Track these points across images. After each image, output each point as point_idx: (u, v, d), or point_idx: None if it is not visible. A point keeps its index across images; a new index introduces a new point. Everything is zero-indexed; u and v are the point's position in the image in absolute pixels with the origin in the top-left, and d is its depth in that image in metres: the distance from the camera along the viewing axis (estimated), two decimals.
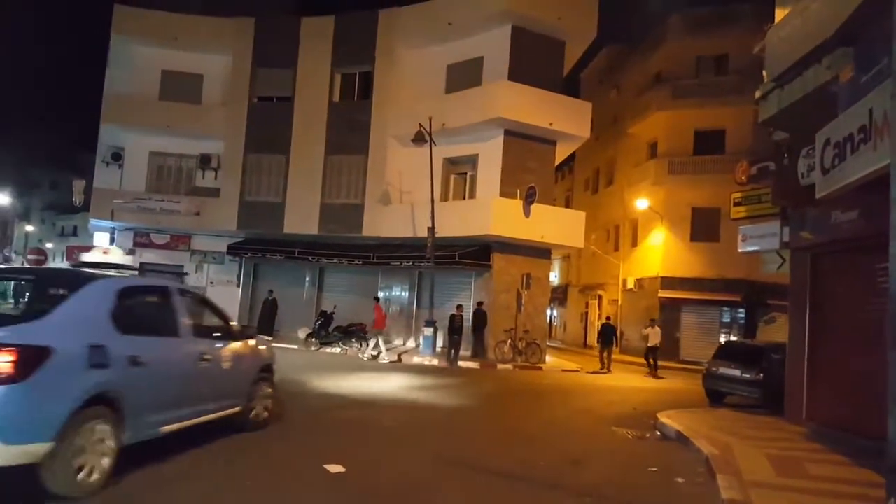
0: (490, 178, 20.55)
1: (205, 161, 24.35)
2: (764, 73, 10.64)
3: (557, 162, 23.48)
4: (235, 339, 6.99)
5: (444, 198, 21.35)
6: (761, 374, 12.11)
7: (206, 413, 6.32)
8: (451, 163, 21.85)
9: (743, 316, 25.58)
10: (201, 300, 7.06)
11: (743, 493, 5.81)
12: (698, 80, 27.21)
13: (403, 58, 22.48)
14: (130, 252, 24.78)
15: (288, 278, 23.86)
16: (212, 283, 24.72)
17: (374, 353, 17.70)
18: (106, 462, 4.86)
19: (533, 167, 20.66)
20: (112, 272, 6.23)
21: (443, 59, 22.09)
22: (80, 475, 4.63)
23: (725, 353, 13.81)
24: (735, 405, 12.60)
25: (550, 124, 20.20)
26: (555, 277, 36.58)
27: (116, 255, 7.28)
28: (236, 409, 6.89)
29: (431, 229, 18.89)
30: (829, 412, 9.56)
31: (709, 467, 6.95)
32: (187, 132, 23.74)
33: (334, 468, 5.91)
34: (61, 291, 5.17)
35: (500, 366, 18.22)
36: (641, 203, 26.96)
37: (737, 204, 13.67)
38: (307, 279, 24.15)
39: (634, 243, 29.36)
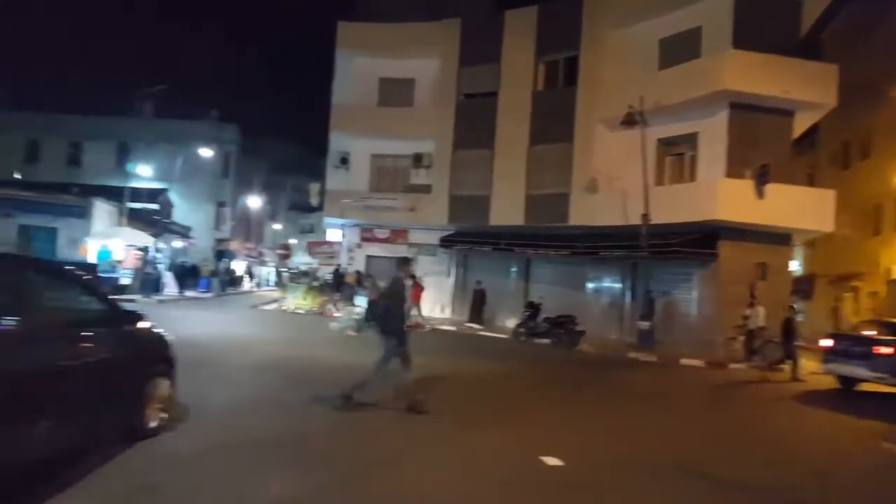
0: (713, 157, 18.61)
1: (417, 160, 25.59)
2: None
3: (796, 135, 20.51)
4: None
5: (659, 182, 19.75)
6: None
7: None
8: (665, 144, 20.19)
9: None
10: None
11: None
12: None
13: (610, 39, 21.27)
14: (357, 246, 27.15)
15: (495, 269, 24.10)
16: (425, 273, 25.92)
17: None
18: None
19: (765, 143, 18.21)
20: None
21: (653, 34, 20.47)
22: None
23: None
24: None
25: (786, 93, 17.66)
26: (797, 267, 32.18)
27: None
28: None
29: (646, 216, 17.58)
30: None
31: None
32: (402, 134, 25.05)
33: None
34: None
35: (731, 365, 16.28)
36: None
37: None
38: (514, 270, 24.20)
39: None
